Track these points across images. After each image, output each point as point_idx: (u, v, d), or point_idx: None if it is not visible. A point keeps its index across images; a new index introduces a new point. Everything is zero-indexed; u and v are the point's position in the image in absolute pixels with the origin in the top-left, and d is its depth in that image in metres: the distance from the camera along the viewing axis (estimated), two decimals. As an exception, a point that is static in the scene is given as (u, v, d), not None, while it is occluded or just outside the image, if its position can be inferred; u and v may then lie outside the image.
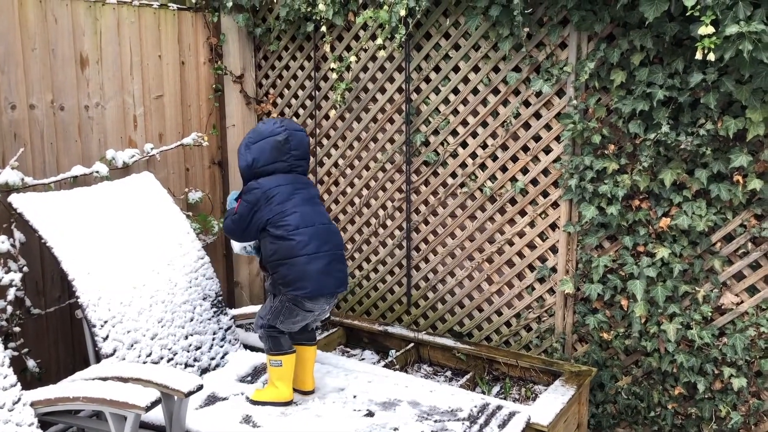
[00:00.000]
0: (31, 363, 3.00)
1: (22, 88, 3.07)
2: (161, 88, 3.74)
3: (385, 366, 3.38)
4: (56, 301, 3.27)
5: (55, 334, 3.29)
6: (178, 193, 3.88)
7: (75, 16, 3.26)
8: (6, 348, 2.91)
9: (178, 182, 3.90)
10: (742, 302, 2.92)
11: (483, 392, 3.28)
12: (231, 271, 4.31)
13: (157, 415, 2.62)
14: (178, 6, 3.80)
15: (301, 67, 3.94)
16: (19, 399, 2.40)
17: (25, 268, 2.98)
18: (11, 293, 2.89)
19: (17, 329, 2.96)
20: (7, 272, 2.90)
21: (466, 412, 2.69)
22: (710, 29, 2.46)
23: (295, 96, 3.99)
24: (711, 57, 2.50)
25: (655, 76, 2.83)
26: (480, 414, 2.69)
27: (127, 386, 2.38)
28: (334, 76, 3.71)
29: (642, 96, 2.87)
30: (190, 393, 2.42)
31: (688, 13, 2.54)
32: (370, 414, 2.68)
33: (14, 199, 2.86)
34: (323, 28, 3.67)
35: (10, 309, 2.90)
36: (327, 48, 3.72)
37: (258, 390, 2.83)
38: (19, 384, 2.43)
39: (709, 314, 2.95)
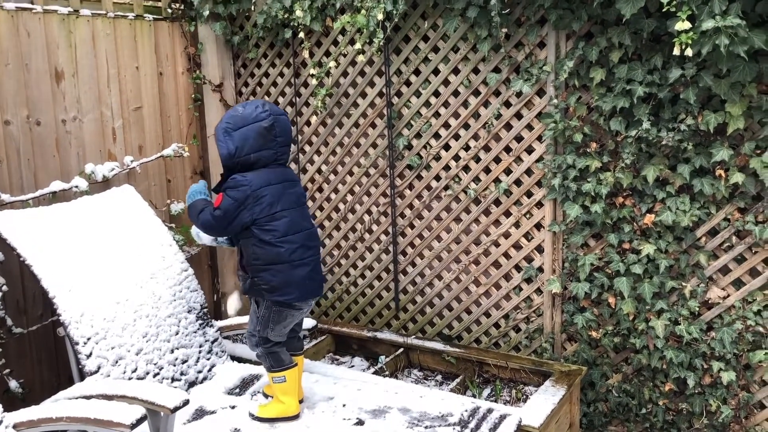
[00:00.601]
0: (13, 383, 2.95)
1: (-4, 104, 3.03)
2: (140, 99, 3.70)
3: (375, 372, 3.35)
4: (38, 319, 3.22)
5: (38, 352, 3.24)
6: (161, 204, 3.84)
7: (48, 29, 3.22)
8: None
9: (160, 194, 3.85)
10: (728, 296, 2.93)
11: (473, 395, 3.26)
12: (216, 282, 4.27)
13: (144, 432, 2.57)
14: (154, 16, 3.76)
15: (281, 74, 3.91)
16: (1, 421, 2.35)
17: (5, 287, 2.93)
18: (-9, 313, 2.84)
19: (-2, 350, 2.91)
20: (-14, 292, 2.85)
21: (457, 417, 2.67)
22: (687, 24, 2.46)
23: (276, 103, 3.96)
24: (689, 52, 2.50)
25: (634, 72, 2.83)
26: (471, 418, 2.67)
27: (111, 404, 2.34)
28: (314, 82, 3.69)
29: (622, 93, 2.86)
30: (177, 408, 2.38)
31: (664, 9, 2.54)
32: (360, 423, 2.65)
33: (-9, 217, 2.81)
34: (301, 35, 3.65)
35: (-10, 329, 2.85)
36: (306, 54, 3.69)
37: (262, 406, 2.77)
38: (0, 406, 2.38)
39: (697, 309, 2.95)
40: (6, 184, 3.07)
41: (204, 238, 2.84)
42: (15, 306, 3.13)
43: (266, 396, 2.93)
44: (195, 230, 2.84)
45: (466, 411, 2.71)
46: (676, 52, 2.53)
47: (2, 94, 3.05)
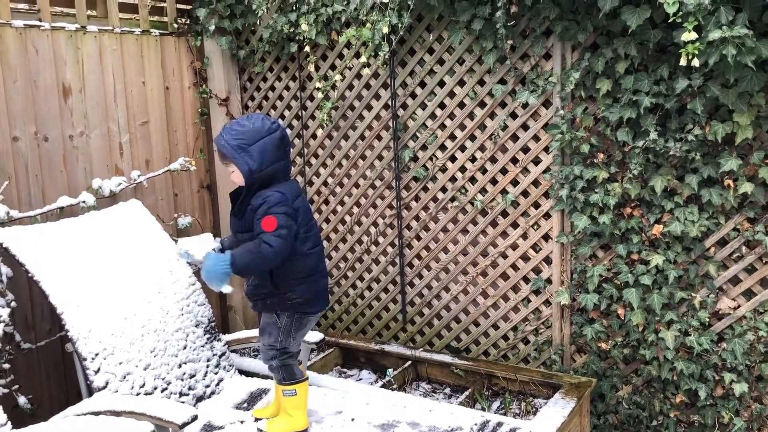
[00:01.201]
0: (22, 399, 2.95)
1: (4, 121, 3.04)
2: (146, 114, 3.72)
3: (383, 386, 3.34)
4: (47, 335, 3.22)
5: (47, 368, 3.24)
6: (168, 219, 3.84)
7: (56, 46, 3.24)
8: (-4, 386, 2.87)
9: (167, 208, 3.86)
10: (739, 306, 2.90)
11: (483, 408, 3.24)
12: (224, 296, 4.27)
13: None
14: (161, 32, 3.78)
15: (287, 88, 3.92)
16: (10, 438, 2.35)
17: (14, 303, 2.93)
18: (0, 329, 2.84)
19: (6, 366, 2.90)
20: (-6, 308, 2.86)
21: (467, 431, 2.65)
22: (693, 35, 2.46)
23: (282, 116, 3.97)
24: (695, 63, 2.49)
25: (640, 83, 2.83)
26: (480, 432, 2.65)
27: (119, 420, 2.34)
28: (320, 95, 3.70)
29: (629, 104, 2.86)
30: (185, 424, 2.37)
31: (670, 20, 2.54)
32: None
33: (0, 233, 2.82)
34: (307, 48, 3.66)
35: (-1, 345, 2.86)
36: (311, 68, 3.70)
37: (271, 421, 2.74)
38: (9, 423, 2.38)
39: (707, 320, 2.93)
40: (15, 199, 3.09)
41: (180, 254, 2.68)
42: (24, 322, 3.13)
43: (256, 419, 2.83)
44: (184, 251, 2.65)
45: (476, 425, 2.69)
46: (683, 62, 2.52)
47: (11, 111, 3.07)
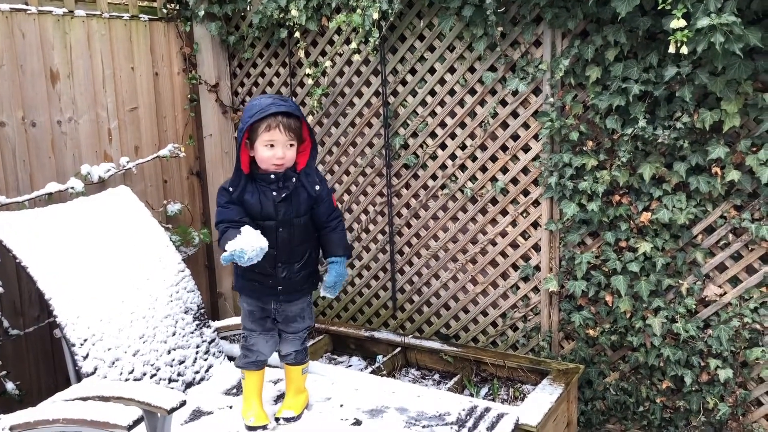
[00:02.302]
0: (10, 385, 2.94)
1: (-9, 106, 3.02)
2: (135, 100, 3.70)
3: (372, 372, 3.35)
4: (35, 321, 3.21)
5: (36, 354, 3.24)
6: (157, 205, 3.83)
7: (43, 30, 3.21)
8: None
9: (156, 195, 3.85)
10: (725, 293, 2.93)
11: (471, 394, 3.26)
12: (214, 283, 4.27)
13: (141, 433, 2.57)
14: (150, 17, 3.75)
15: (277, 74, 3.91)
16: (-2, 424, 2.35)
17: (1, 289, 2.92)
18: (-13, 315, 2.84)
19: (-6, 352, 2.91)
20: (-18, 294, 2.85)
21: (455, 416, 2.67)
22: (682, 22, 2.46)
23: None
24: (684, 50, 2.49)
25: (630, 70, 2.83)
26: (468, 417, 2.67)
27: (108, 405, 2.33)
28: (310, 81, 3.68)
29: (618, 91, 2.86)
30: (173, 410, 2.37)
31: (659, 7, 2.54)
32: (358, 423, 2.65)
33: (-14, 219, 2.81)
34: (297, 34, 3.64)
35: (-14, 331, 2.85)
36: (302, 54, 3.69)
37: (291, 404, 2.72)
38: (-3, 408, 2.38)
39: (693, 307, 2.95)
40: (2, 185, 3.07)
41: (253, 256, 2.33)
42: (12, 308, 3.12)
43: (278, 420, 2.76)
44: (238, 252, 2.31)
45: (464, 410, 2.71)
46: (672, 50, 2.53)
47: (-3, 96, 3.04)
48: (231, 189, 2.49)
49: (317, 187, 2.56)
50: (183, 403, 2.40)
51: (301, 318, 2.72)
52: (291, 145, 2.45)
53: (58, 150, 3.31)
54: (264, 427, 2.64)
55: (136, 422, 2.26)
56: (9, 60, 3.08)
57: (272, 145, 2.42)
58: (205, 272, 4.25)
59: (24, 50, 3.14)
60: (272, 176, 2.48)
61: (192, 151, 4.08)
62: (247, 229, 2.34)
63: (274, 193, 2.49)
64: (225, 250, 2.35)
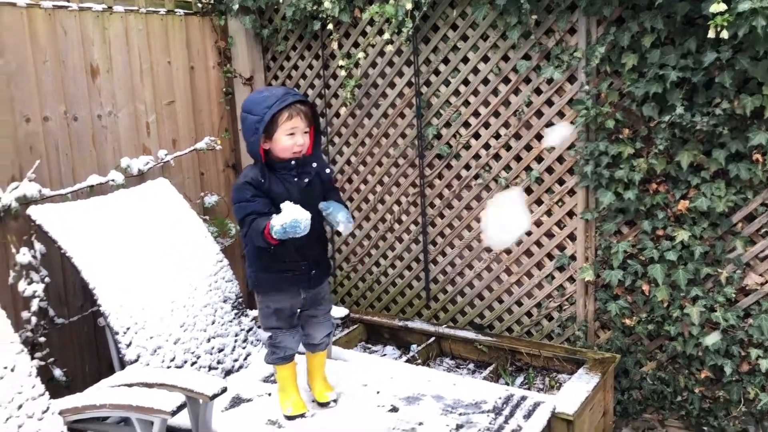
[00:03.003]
0: (57, 372, 3.03)
1: (35, 101, 3.10)
2: (172, 94, 3.76)
3: (407, 361, 3.37)
4: (79, 310, 3.30)
5: (80, 342, 3.33)
6: (194, 197, 3.89)
7: (83, 26, 3.28)
8: (33, 358, 2.94)
9: (194, 187, 3.91)
10: (766, 282, 2.88)
11: (506, 383, 3.27)
12: (250, 273, 4.32)
13: (183, 419, 2.63)
14: (185, 11, 3.81)
15: (310, 66, 3.94)
16: (48, 408, 2.42)
17: (47, 279, 3.01)
18: (35, 304, 2.92)
19: (42, 339, 2.99)
20: (30, 284, 2.93)
21: (491, 404, 2.68)
22: (722, 6, 2.42)
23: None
24: (724, 35, 2.46)
25: (667, 57, 2.80)
26: (504, 405, 2.68)
27: (152, 391, 2.40)
28: (343, 73, 3.71)
29: (655, 78, 2.83)
30: (215, 396, 2.43)
31: (698, -8, 2.51)
32: (395, 409, 2.68)
33: (33, 211, 2.89)
34: (330, 26, 3.66)
35: (34, 320, 2.93)
36: (335, 45, 3.71)
37: (328, 391, 2.79)
38: (47, 393, 2.45)
39: (733, 296, 2.91)
40: (46, 178, 3.15)
41: (307, 225, 2.40)
42: (57, 297, 3.21)
43: (322, 404, 2.80)
44: (292, 223, 2.37)
45: (500, 398, 2.72)
46: (711, 35, 2.49)
47: (41, 91, 3.12)
48: (262, 180, 2.51)
49: (327, 170, 2.65)
50: (224, 390, 2.46)
51: (328, 297, 2.80)
52: (306, 132, 2.54)
53: (98, 143, 3.38)
54: (302, 415, 2.68)
55: (180, 408, 2.32)
56: (52, 56, 3.16)
57: (293, 133, 2.49)
58: (241, 263, 4.30)
59: (66, 46, 3.22)
60: (293, 163, 2.54)
61: (228, 144, 4.14)
62: (288, 204, 2.39)
63: (296, 179, 2.55)
64: (268, 235, 2.40)
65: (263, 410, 2.77)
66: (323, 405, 2.74)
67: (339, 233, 2.67)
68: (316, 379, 2.83)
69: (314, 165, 2.59)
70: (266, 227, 2.41)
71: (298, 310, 2.75)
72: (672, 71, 2.77)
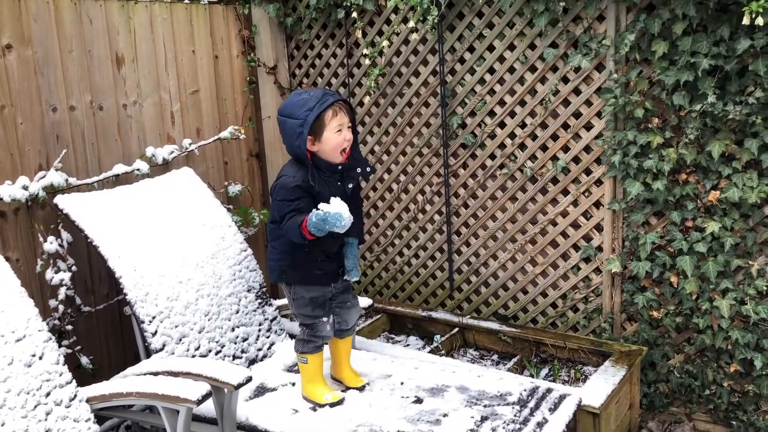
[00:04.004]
0: (84, 360, 3.07)
1: (61, 90, 3.12)
2: (196, 83, 3.76)
3: (431, 352, 3.36)
4: (105, 299, 3.33)
5: (106, 330, 3.36)
6: (218, 186, 3.90)
7: (109, 15, 3.29)
8: (60, 346, 2.98)
9: (218, 176, 3.92)
10: (798, 275, 2.83)
11: (531, 375, 3.24)
12: (273, 262, 4.33)
13: (208, 408, 2.64)
14: (209, 0, 3.80)
15: (334, 55, 3.91)
16: (75, 395, 2.45)
17: (74, 267, 3.03)
18: (62, 292, 2.95)
19: (69, 327, 3.02)
20: (57, 272, 2.96)
21: (516, 396, 2.66)
22: (757, -8, 2.36)
23: (329, 84, 3.97)
24: (759, 21, 2.40)
25: (699, 44, 2.73)
26: (530, 397, 2.65)
27: (177, 380, 2.41)
28: (367, 62, 3.68)
29: (686, 66, 2.77)
30: (240, 385, 2.43)
31: (733, -23, 2.44)
32: (419, 400, 2.67)
33: (60, 200, 2.91)
34: (354, 14, 3.64)
35: (61, 308, 2.96)
36: (359, 34, 3.68)
37: (352, 369, 2.84)
38: (74, 381, 2.48)
39: (765, 288, 2.85)
40: (72, 167, 3.17)
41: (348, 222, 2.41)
42: (83, 285, 3.24)
43: (348, 389, 2.83)
44: (335, 215, 2.37)
45: (525, 390, 2.70)
46: (746, 21, 2.43)
47: (67, 80, 3.14)
48: (312, 184, 2.50)
49: (368, 169, 2.65)
50: (249, 379, 2.47)
51: (350, 284, 2.83)
52: (349, 127, 2.56)
53: (124, 133, 3.40)
54: (342, 401, 2.69)
55: (205, 397, 2.32)
56: (78, 45, 3.17)
57: (340, 130, 2.51)
58: (264, 252, 4.31)
59: (91, 36, 3.23)
60: (339, 167, 2.57)
61: (251, 133, 4.14)
62: (337, 200, 2.40)
63: (339, 183, 2.57)
64: (305, 228, 2.41)
65: (288, 399, 2.77)
66: (360, 389, 2.77)
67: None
68: (345, 365, 2.85)
69: (358, 170, 2.60)
70: (304, 221, 2.42)
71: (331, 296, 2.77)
72: (704, 59, 2.71)
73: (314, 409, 2.67)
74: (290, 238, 2.52)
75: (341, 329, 2.81)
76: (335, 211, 2.35)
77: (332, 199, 2.40)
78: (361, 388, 2.78)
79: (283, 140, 2.57)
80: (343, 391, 2.78)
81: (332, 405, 2.68)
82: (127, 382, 2.48)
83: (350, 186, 2.60)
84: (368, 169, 2.65)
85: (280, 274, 2.69)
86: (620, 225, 3.18)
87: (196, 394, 2.31)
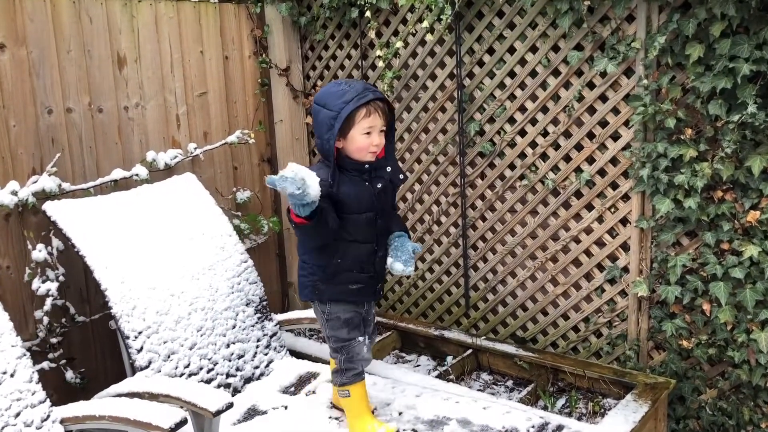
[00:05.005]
0: (69, 374, 2.94)
1: (57, 92, 3.00)
2: (204, 84, 3.62)
3: (439, 375, 3.14)
4: (101, 308, 3.20)
5: (101, 341, 3.24)
6: (226, 192, 3.75)
7: (110, 14, 3.17)
8: (43, 361, 2.87)
9: (226, 182, 3.77)
10: None
11: (545, 406, 2.99)
12: (285, 272, 4.17)
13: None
14: (220, -2, 3.66)
15: (348, 56, 3.72)
16: (48, 416, 2.32)
17: (61, 277, 2.91)
18: (48, 303, 2.83)
19: (54, 340, 2.90)
20: (44, 281, 2.84)
21: (522, 433, 2.42)
22: (805, -11, 2.07)
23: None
24: (807, 22, 2.11)
25: (739, 48, 2.45)
26: (538, 435, 2.42)
27: (152, 405, 2.26)
28: (381, 64, 3.47)
29: (723, 72, 2.48)
30: (219, 412, 2.26)
31: (777, -28, 2.16)
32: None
33: (48, 206, 2.79)
34: (368, 13, 3.44)
35: (46, 319, 2.84)
36: (373, 34, 3.48)
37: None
38: (48, 400, 2.34)
39: (809, 322, 2.55)
40: (68, 172, 3.06)
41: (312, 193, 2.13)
42: (78, 295, 3.12)
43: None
44: (299, 176, 2.05)
45: (533, 427, 2.45)
46: (791, 22, 2.14)
47: (64, 81, 3.02)
48: (331, 183, 2.26)
49: (401, 176, 2.43)
50: (230, 406, 2.30)
51: (373, 311, 2.59)
52: (382, 131, 2.32)
53: (125, 136, 3.27)
54: None
55: (179, 425, 2.16)
56: (76, 45, 3.05)
57: (369, 132, 2.28)
58: (276, 261, 4.16)
59: (91, 35, 3.11)
60: (366, 166, 2.33)
61: (263, 138, 3.97)
62: (290, 163, 2.08)
63: (367, 183, 2.34)
64: (292, 213, 2.15)
65: (277, 425, 2.59)
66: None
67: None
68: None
69: (388, 169, 2.38)
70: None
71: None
72: (744, 64, 2.42)
73: (301, 439, 2.48)
74: (302, 237, 2.31)
75: None
76: (280, 175, 2.02)
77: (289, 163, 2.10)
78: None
79: (314, 131, 2.34)
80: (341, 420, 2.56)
81: None
82: (101, 404, 2.33)
83: (379, 186, 2.35)
84: (401, 176, 2.42)
85: (312, 290, 2.44)
86: (648, 245, 2.90)
87: (169, 422, 2.15)
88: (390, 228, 2.44)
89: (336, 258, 2.36)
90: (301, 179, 2.02)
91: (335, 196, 2.27)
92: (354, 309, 2.45)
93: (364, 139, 2.28)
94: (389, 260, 2.40)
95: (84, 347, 3.16)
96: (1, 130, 2.83)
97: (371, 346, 2.59)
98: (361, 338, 2.47)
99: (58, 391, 2.97)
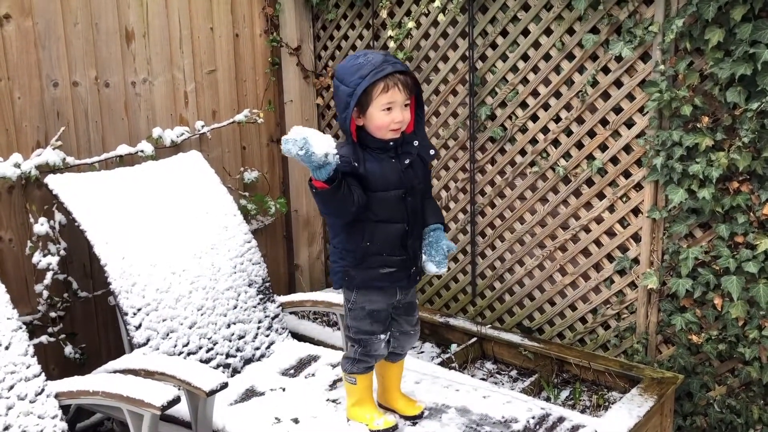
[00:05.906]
0: (68, 349, 2.93)
1: (64, 65, 2.97)
2: (214, 62, 3.57)
3: (442, 363, 3.09)
4: (104, 284, 3.17)
5: (104, 317, 3.22)
6: (234, 172, 3.72)
7: (119, -13, 3.13)
8: (43, 334, 2.86)
9: (234, 161, 3.73)
10: None
11: (548, 398, 2.93)
12: (291, 254, 4.14)
13: (185, 410, 2.45)
14: (231, -26, 3.60)
15: (360, 36, 3.65)
16: (42, 390, 2.31)
17: (63, 252, 2.89)
18: (48, 277, 2.82)
19: (54, 314, 2.89)
20: (45, 255, 2.83)
21: (522, 424, 2.37)
22: (832, -30, 1.98)
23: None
24: (832, 6, 2.01)
25: (761, 33, 2.35)
26: (538, 427, 2.36)
27: (146, 382, 2.24)
28: (393, 45, 3.41)
29: (744, 58, 2.39)
30: (213, 392, 2.24)
31: (803, -47, 2.06)
32: (413, 422, 2.41)
33: (50, 179, 2.77)
34: (380, -8, 3.37)
35: (46, 293, 2.83)
36: (385, 14, 3.41)
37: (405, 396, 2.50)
38: (43, 374, 2.33)
39: (824, 319, 2.46)
40: (73, 146, 3.03)
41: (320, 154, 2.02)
42: (81, 270, 3.11)
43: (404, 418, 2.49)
44: (302, 138, 1.95)
45: (533, 418, 2.40)
46: (816, 5, 2.05)
47: (71, 55, 2.99)
48: (356, 164, 2.11)
49: (432, 152, 2.25)
50: (224, 386, 2.27)
51: (415, 303, 2.43)
52: (406, 105, 2.13)
53: (131, 112, 3.24)
54: (395, 428, 2.35)
55: (171, 403, 2.14)
56: (83, 18, 3.02)
57: (389, 108, 2.09)
58: (283, 242, 4.12)
59: (99, 8, 3.07)
60: (391, 143, 2.15)
61: (273, 118, 3.93)
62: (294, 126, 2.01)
63: (393, 160, 2.18)
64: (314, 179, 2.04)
65: (273, 407, 2.56)
66: (415, 418, 2.42)
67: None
68: (397, 391, 2.48)
69: (415, 143, 2.20)
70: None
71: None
72: (765, 50, 2.33)
73: (296, 421, 2.44)
74: (322, 205, 2.14)
75: (395, 353, 2.43)
76: (284, 138, 1.94)
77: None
78: (419, 415, 2.42)
79: (336, 109, 2.20)
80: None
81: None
82: (96, 380, 2.32)
83: (407, 162, 2.17)
84: (432, 151, 2.25)
85: (342, 277, 2.29)
86: (660, 236, 2.82)
87: (161, 400, 2.13)
88: (424, 209, 2.27)
89: (365, 241, 2.20)
90: (303, 139, 1.91)
91: (360, 173, 2.13)
92: (383, 299, 2.28)
93: (383, 116, 2.09)
94: (423, 257, 2.28)
95: (86, 323, 3.15)
96: (6, 102, 2.81)
97: (413, 341, 2.45)
98: (382, 336, 2.32)
99: (59, 366, 2.97)
